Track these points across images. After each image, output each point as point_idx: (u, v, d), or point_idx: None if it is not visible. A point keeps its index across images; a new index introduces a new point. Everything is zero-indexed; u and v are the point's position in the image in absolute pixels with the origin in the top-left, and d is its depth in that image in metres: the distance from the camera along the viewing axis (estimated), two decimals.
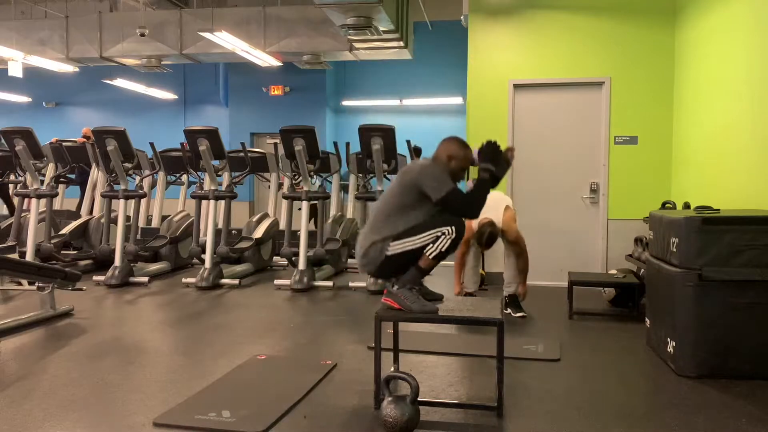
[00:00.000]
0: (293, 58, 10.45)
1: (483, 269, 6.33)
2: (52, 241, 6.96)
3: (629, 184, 6.43)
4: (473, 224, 5.22)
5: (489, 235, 5.02)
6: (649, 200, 6.22)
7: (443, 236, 3.12)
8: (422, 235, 3.13)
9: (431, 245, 3.11)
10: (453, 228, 3.12)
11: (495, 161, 3.30)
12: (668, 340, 3.86)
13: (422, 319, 3.18)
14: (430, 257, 3.12)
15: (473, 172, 6.68)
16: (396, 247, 3.14)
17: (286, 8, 9.73)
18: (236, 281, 6.58)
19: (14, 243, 6.61)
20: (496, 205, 5.22)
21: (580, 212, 6.60)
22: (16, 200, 8.63)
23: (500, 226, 5.12)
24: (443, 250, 3.12)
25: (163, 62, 10.49)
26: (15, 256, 5.77)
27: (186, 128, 6.62)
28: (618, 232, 6.42)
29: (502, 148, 3.34)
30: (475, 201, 3.28)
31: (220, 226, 7.12)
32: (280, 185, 8.61)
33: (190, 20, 9.87)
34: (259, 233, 7.38)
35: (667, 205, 5.74)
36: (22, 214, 7.31)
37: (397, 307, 3.14)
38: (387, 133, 6.26)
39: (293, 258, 6.59)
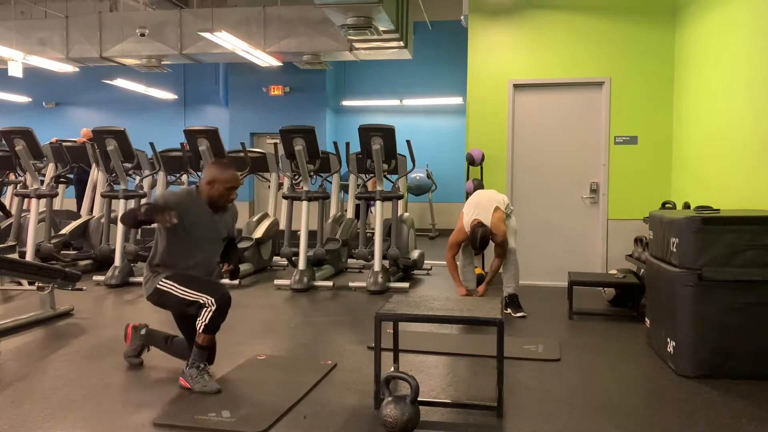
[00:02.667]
0: (293, 58, 10.45)
1: (483, 269, 6.33)
2: (52, 241, 6.96)
3: (629, 184, 6.43)
4: (465, 226, 5.21)
5: (481, 236, 5.03)
6: (649, 200, 6.22)
7: (205, 309, 3.31)
8: (187, 290, 3.34)
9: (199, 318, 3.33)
10: (212, 300, 3.29)
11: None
12: (668, 340, 3.86)
13: (422, 318, 3.18)
14: (202, 332, 3.33)
15: (473, 172, 6.71)
16: (165, 286, 3.40)
17: (286, 8, 9.73)
18: (236, 281, 6.56)
19: (14, 243, 6.61)
20: (487, 205, 5.23)
21: (580, 212, 6.60)
22: (10, 203, 8.64)
23: (489, 227, 5.12)
24: (207, 323, 3.31)
25: (163, 62, 10.49)
26: (15, 256, 5.77)
27: (186, 128, 6.62)
28: (618, 232, 6.42)
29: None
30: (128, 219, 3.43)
31: None
32: (280, 185, 8.61)
33: (190, 20, 9.87)
34: (259, 233, 7.38)
35: (667, 205, 5.74)
36: (22, 214, 7.31)
37: (188, 386, 3.34)
38: (387, 133, 6.26)
39: (293, 258, 6.60)
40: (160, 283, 3.39)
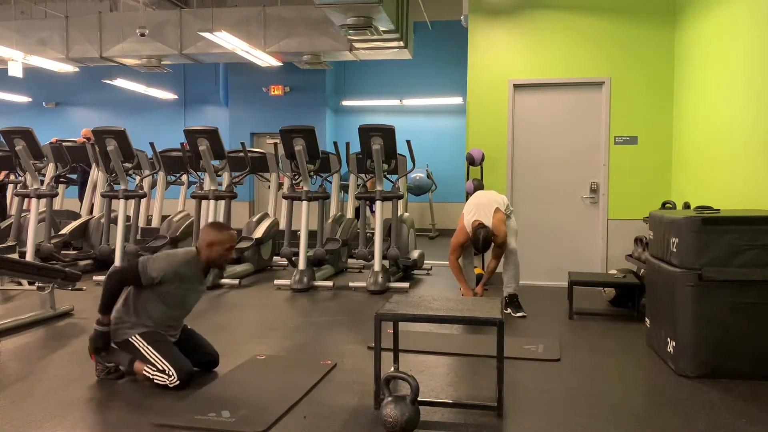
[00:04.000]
0: (293, 58, 10.45)
1: (482, 269, 6.33)
2: (52, 241, 6.96)
3: (629, 184, 6.43)
4: (466, 226, 5.21)
5: (484, 238, 5.03)
6: (649, 200, 6.22)
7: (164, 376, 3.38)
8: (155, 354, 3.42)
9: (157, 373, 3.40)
10: (175, 374, 3.36)
11: None
12: (668, 340, 3.86)
13: (423, 318, 3.18)
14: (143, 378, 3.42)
15: (473, 172, 6.71)
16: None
17: (286, 8, 9.73)
18: (236, 281, 6.58)
19: (14, 243, 6.61)
20: (487, 206, 5.24)
21: (580, 212, 6.60)
22: (10, 203, 8.64)
23: (490, 228, 5.13)
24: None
25: (163, 62, 10.49)
26: (15, 256, 5.77)
27: (186, 128, 6.62)
28: (618, 232, 6.42)
29: None
30: (107, 292, 3.52)
31: None
32: (280, 185, 8.61)
33: (190, 20, 9.87)
34: (259, 233, 7.38)
35: (667, 205, 5.74)
36: (22, 214, 7.31)
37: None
38: (387, 133, 6.26)
39: (293, 258, 6.60)
40: (133, 337, 3.49)
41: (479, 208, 5.25)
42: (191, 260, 3.59)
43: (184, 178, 9.23)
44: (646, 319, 4.38)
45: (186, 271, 3.56)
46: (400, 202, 6.99)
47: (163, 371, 3.37)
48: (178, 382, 3.34)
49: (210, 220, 6.64)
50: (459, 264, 5.39)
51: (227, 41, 8.71)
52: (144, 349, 3.44)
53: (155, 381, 3.37)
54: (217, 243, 3.59)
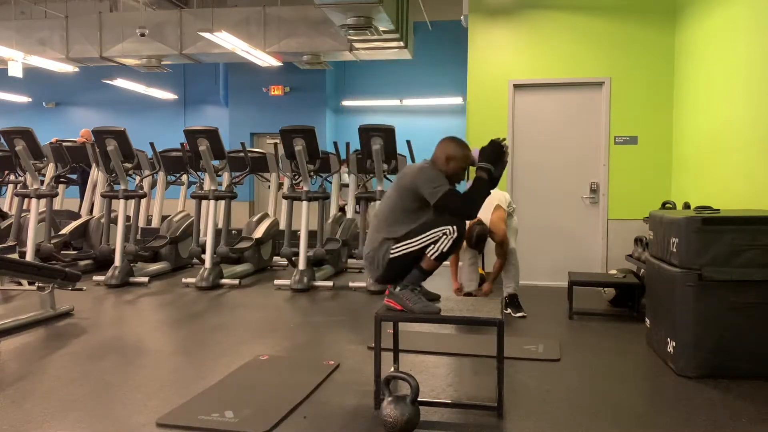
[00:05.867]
0: (293, 58, 10.45)
1: (482, 269, 6.32)
2: (52, 241, 6.96)
3: (629, 184, 6.44)
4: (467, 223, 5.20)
5: (477, 235, 5.02)
6: (649, 200, 6.22)
7: (444, 237, 3.11)
8: (423, 236, 3.12)
9: (432, 246, 3.10)
10: (454, 228, 3.10)
11: (495, 162, 3.26)
12: (668, 340, 3.86)
13: (422, 319, 3.18)
14: (432, 258, 3.12)
15: (473, 172, 6.70)
16: (397, 251, 3.14)
17: (286, 8, 9.74)
18: (236, 281, 6.58)
19: (14, 243, 6.61)
20: (487, 203, 5.21)
21: (580, 212, 6.60)
22: (10, 203, 8.63)
23: (488, 225, 5.11)
24: (444, 250, 3.11)
25: (163, 62, 10.50)
26: (15, 256, 5.77)
27: (186, 128, 6.62)
28: (618, 232, 6.42)
29: (505, 147, 3.31)
30: (473, 202, 3.24)
31: (220, 226, 7.12)
32: (280, 185, 8.61)
33: (190, 20, 9.87)
34: (259, 233, 7.38)
35: (667, 205, 5.74)
36: (22, 214, 7.31)
37: (399, 308, 3.14)
38: (387, 133, 6.26)
39: (293, 258, 6.60)
40: (392, 251, 3.16)
41: None
42: (429, 167, 3.28)
43: (184, 178, 9.23)
44: (646, 319, 4.38)
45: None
46: None
47: (438, 239, 3.08)
48: (456, 234, 3.09)
49: (210, 220, 6.65)
50: (457, 259, 5.36)
51: (227, 41, 8.71)
52: (407, 247, 3.13)
53: (442, 251, 3.11)
54: (455, 159, 3.30)
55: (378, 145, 6.26)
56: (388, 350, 3.36)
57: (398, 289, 3.17)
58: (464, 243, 5.28)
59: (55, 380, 3.55)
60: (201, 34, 8.87)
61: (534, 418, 3.04)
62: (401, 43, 8.96)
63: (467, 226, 5.10)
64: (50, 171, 8.14)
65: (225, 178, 7.00)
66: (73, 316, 5.14)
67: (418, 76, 12.45)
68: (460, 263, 5.43)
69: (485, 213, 5.17)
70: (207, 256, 6.54)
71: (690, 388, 3.49)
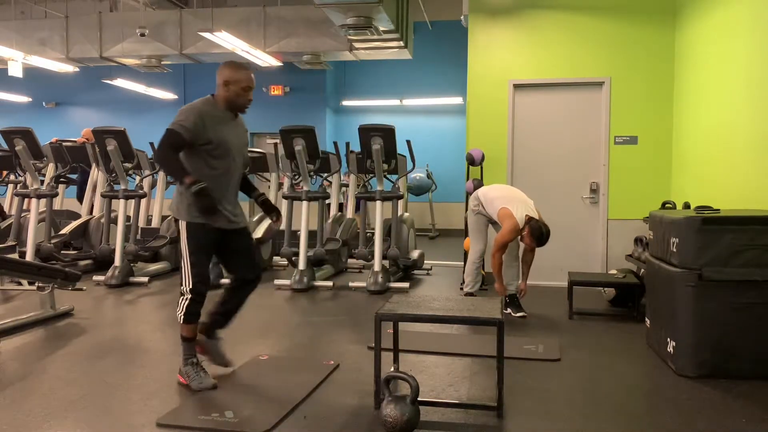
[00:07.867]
0: (293, 58, 10.45)
1: (483, 269, 6.32)
2: (52, 241, 6.96)
3: (629, 184, 6.44)
4: (520, 222, 5.01)
5: (546, 233, 4.94)
6: (649, 200, 6.22)
7: (181, 297, 3.29)
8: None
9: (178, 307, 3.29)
10: (189, 289, 3.26)
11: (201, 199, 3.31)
12: (668, 340, 3.86)
13: (423, 318, 3.18)
14: (181, 322, 3.31)
15: (473, 172, 6.71)
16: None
17: (286, 8, 9.73)
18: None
19: (14, 243, 6.61)
20: (523, 200, 5.12)
21: (580, 212, 6.60)
22: (10, 203, 8.63)
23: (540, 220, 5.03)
24: (184, 313, 3.29)
25: (163, 62, 10.50)
26: (15, 256, 5.77)
27: None
28: (618, 232, 6.42)
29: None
30: (165, 158, 3.24)
31: None
32: (280, 185, 8.60)
33: (190, 20, 9.87)
34: (259, 233, 7.38)
35: (667, 205, 5.74)
36: (22, 214, 7.31)
37: (186, 383, 3.34)
38: (387, 133, 6.26)
39: (293, 258, 6.59)
40: (186, 222, 3.37)
41: (517, 203, 5.08)
42: (207, 101, 3.33)
43: None
44: (646, 319, 4.38)
45: (209, 109, 3.32)
46: (400, 202, 6.99)
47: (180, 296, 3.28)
48: (189, 296, 3.25)
49: None
50: (500, 262, 5.16)
51: (227, 41, 8.71)
52: (183, 245, 3.32)
53: (183, 312, 3.30)
54: (232, 82, 3.29)
55: (378, 145, 6.26)
56: (388, 350, 3.37)
57: (181, 365, 3.39)
58: (502, 249, 5.11)
59: (55, 380, 3.55)
60: (201, 34, 8.87)
61: (534, 418, 3.04)
62: (401, 43, 8.96)
63: (529, 225, 4.93)
64: (50, 171, 8.14)
65: None
66: (73, 316, 5.14)
67: (418, 76, 12.45)
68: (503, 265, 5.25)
69: (531, 209, 5.07)
70: None
71: (690, 388, 3.49)
